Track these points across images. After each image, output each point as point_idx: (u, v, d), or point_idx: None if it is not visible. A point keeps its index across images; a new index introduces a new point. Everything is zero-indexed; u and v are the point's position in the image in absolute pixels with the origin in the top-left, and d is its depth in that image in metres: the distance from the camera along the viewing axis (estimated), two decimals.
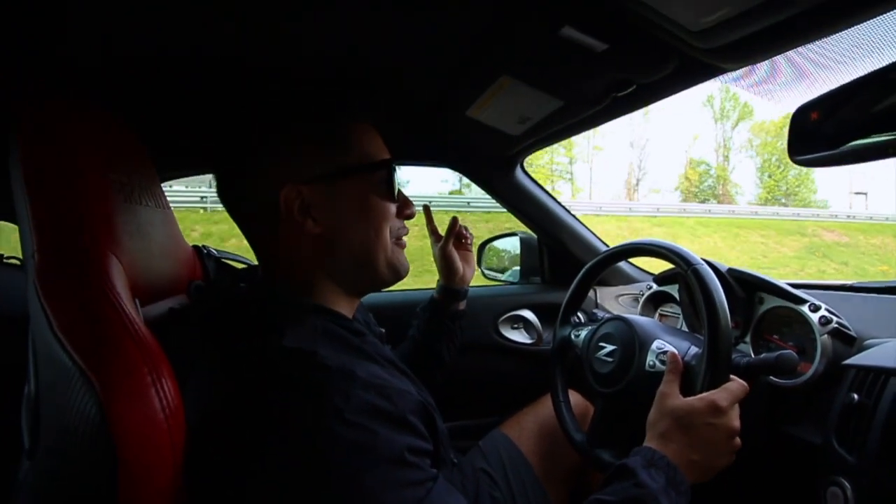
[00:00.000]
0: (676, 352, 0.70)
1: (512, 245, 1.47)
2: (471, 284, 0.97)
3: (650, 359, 0.73)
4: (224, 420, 0.44)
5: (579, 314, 0.98)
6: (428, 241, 0.93)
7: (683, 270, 0.71)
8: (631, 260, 1.36)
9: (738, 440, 0.60)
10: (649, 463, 0.56)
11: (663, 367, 0.71)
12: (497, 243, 1.52)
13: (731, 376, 0.63)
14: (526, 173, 1.22)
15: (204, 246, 0.81)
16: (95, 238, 0.46)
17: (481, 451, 0.91)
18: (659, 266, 1.00)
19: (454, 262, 0.91)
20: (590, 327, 0.88)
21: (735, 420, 0.60)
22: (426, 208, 0.97)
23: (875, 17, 0.46)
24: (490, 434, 0.95)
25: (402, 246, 0.64)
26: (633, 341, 0.76)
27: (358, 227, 0.59)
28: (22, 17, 0.49)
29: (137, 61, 0.60)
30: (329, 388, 0.43)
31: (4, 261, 0.98)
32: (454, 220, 0.91)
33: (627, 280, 1.35)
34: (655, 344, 0.74)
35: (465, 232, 0.93)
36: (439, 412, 0.62)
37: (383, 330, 0.79)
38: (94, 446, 0.35)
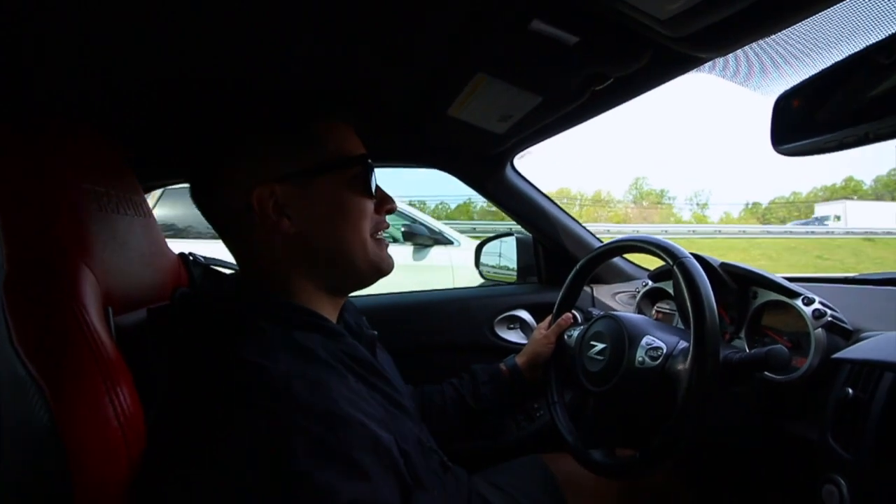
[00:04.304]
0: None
1: (508, 245, 1.46)
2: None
3: (639, 355, 0.72)
4: (170, 429, 0.44)
5: (576, 313, 0.96)
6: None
7: (670, 265, 0.70)
8: (629, 257, 1.34)
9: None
10: None
11: (653, 364, 0.70)
12: (493, 243, 1.51)
13: None
14: (516, 171, 1.20)
15: (190, 253, 0.82)
16: (64, 247, 0.46)
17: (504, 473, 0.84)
18: (657, 262, 0.98)
19: (544, 356, 0.91)
20: (582, 326, 0.87)
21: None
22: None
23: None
24: (526, 459, 0.89)
25: (382, 242, 0.64)
26: (622, 338, 0.75)
27: (334, 225, 0.58)
28: None
29: (114, 76, 0.61)
30: (270, 420, 0.41)
31: None
32: (569, 317, 0.93)
33: (625, 277, 1.33)
34: (645, 340, 0.73)
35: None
36: (420, 422, 0.60)
37: (376, 333, 0.78)
38: (46, 455, 0.35)
